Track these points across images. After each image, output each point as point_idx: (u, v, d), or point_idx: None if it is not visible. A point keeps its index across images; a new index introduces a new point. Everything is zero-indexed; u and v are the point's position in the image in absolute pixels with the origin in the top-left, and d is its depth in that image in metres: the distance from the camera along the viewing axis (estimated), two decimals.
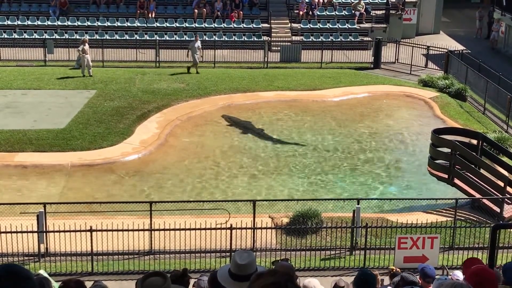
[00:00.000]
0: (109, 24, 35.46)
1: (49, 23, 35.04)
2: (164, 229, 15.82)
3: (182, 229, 15.81)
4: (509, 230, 16.77)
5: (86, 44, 30.04)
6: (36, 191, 19.70)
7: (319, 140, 24.45)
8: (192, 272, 15.05)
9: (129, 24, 35.63)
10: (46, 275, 8.95)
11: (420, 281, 10.27)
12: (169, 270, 14.18)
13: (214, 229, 15.99)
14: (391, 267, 13.66)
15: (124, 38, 34.40)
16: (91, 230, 15.34)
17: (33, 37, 33.81)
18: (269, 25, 36.42)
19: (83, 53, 29.76)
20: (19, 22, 34.90)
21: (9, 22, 34.83)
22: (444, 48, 32.69)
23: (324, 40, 34.75)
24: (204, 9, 36.38)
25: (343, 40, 35.33)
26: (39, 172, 20.65)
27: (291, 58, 32.92)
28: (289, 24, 36.76)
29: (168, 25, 35.78)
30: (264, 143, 23.92)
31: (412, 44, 33.02)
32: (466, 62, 30.61)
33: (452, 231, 16.80)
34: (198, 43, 30.72)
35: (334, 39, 34.87)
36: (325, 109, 27.58)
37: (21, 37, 33.90)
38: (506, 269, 5.88)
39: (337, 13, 37.59)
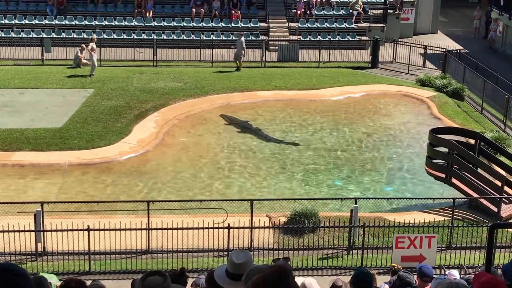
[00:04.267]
0: (106, 23, 35.41)
1: (47, 22, 35.00)
2: (161, 228, 15.80)
3: (180, 228, 15.80)
4: (506, 229, 16.79)
5: (94, 43, 30.13)
6: (33, 190, 19.67)
7: (317, 140, 24.45)
8: (190, 271, 15.03)
9: (126, 23, 35.60)
10: (47, 275, 8.95)
11: (417, 281, 10.27)
12: (167, 269, 14.18)
13: (211, 228, 15.99)
14: (392, 264, 13.66)
15: (122, 37, 34.39)
16: (88, 229, 15.33)
17: (31, 36, 33.75)
18: (267, 25, 36.42)
19: (92, 51, 29.80)
20: (17, 21, 34.85)
21: (6, 21, 34.77)
22: (441, 48, 32.72)
23: (322, 39, 34.77)
24: (202, 9, 36.37)
25: (341, 39, 35.34)
26: (37, 171, 20.62)
27: (289, 58, 32.92)
28: (287, 23, 36.75)
29: (165, 24, 35.77)
30: (261, 143, 23.92)
31: (409, 44, 33.05)
32: (463, 61, 30.63)
33: (449, 230, 16.81)
34: (241, 41, 31.21)
35: (331, 39, 34.88)
36: (323, 108, 27.58)
37: (18, 36, 33.86)
38: (506, 269, 5.88)
39: (335, 12, 37.60)
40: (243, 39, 31.47)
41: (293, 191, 20.47)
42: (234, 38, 34.78)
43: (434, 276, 10.51)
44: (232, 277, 5.01)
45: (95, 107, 25.68)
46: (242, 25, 36.04)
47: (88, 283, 8.36)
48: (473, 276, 11.04)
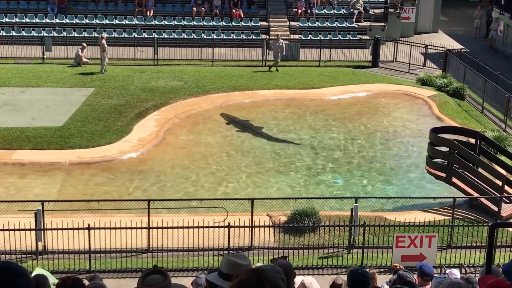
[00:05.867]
0: (107, 22, 35.41)
1: (47, 20, 35.00)
2: (162, 227, 15.80)
3: (180, 227, 15.80)
4: (506, 229, 16.78)
5: (105, 40, 30.12)
6: (34, 188, 19.67)
7: (317, 139, 24.45)
8: (190, 270, 15.10)
9: (127, 22, 35.60)
10: (44, 272, 8.93)
11: (417, 280, 10.27)
12: (167, 268, 14.19)
13: (212, 227, 15.98)
14: (394, 264, 13.66)
15: (123, 36, 34.37)
16: (89, 228, 15.33)
17: (31, 34, 33.76)
18: (267, 24, 36.41)
19: (103, 48, 29.77)
20: (17, 20, 34.86)
21: (7, 20, 34.79)
22: (442, 47, 32.71)
23: (323, 38, 34.76)
24: (203, 8, 36.36)
25: (342, 38, 35.34)
26: (37, 170, 20.62)
27: (290, 57, 32.91)
28: (288, 22, 36.75)
29: (166, 23, 35.76)
30: (262, 142, 23.91)
31: (410, 43, 33.04)
32: (464, 61, 30.62)
33: (450, 230, 16.80)
34: (280, 43, 31.37)
35: (332, 38, 34.87)
36: (323, 107, 27.57)
37: (19, 34, 33.85)
38: (506, 270, 5.88)
39: (335, 11, 37.59)
40: (282, 41, 31.65)
41: (294, 190, 20.46)
42: (234, 37, 34.82)
43: (434, 275, 10.51)
44: (226, 277, 4.94)
45: (95, 106, 25.67)
46: (243, 24, 36.03)
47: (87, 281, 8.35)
48: (473, 275, 11.06)
